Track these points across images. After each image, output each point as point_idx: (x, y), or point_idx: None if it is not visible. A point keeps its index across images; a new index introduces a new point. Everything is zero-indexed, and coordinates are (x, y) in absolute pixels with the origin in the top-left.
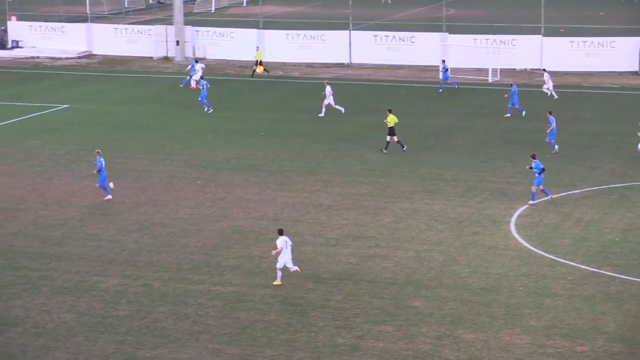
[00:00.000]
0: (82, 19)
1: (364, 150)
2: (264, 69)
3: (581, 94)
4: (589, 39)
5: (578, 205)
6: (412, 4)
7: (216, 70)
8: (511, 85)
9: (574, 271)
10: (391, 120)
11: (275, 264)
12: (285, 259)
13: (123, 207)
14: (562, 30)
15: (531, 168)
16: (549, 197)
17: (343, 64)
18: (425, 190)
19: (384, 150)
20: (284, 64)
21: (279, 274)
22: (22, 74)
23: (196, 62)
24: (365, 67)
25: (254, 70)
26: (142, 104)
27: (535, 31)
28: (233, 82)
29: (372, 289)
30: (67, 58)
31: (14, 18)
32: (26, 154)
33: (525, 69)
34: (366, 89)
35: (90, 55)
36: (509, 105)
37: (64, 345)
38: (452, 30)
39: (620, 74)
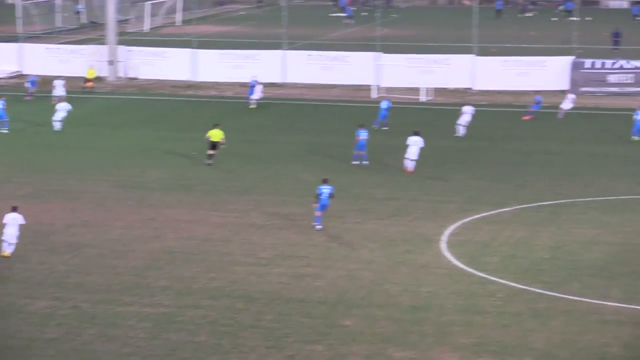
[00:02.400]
0: (13, 38)
1: (297, 170)
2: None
3: (513, 112)
4: (520, 59)
5: (508, 223)
6: (346, 24)
7: (149, 90)
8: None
9: (503, 288)
10: (214, 135)
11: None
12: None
13: (53, 228)
14: (493, 50)
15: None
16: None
17: (277, 83)
18: (357, 209)
19: (206, 162)
20: (217, 83)
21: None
22: None
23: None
24: (299, 87)
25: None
26: (73, 125)
27: (467, 51)
28: (166, 102)
29: (304, 308)
30: None
31: None
32: None
33: (458, 88)
34: (300, 108)
35: (20, 76)
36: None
37: None
38: (386, 49)
39: (552, 92)
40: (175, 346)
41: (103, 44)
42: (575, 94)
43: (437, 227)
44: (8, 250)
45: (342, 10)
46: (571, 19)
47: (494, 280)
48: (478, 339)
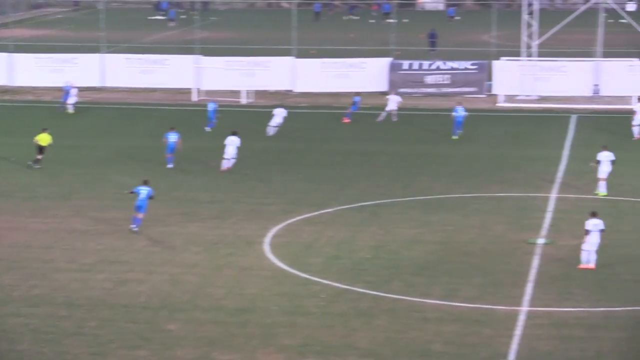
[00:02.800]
0: None
1: (118, 174)
2: None
3: (333, 114)
4: (339, 60)
5: (330, 224)
6: (165, 27)
7: None
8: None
9: (326, 289)
10: (42, 139)
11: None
12: None
13: None
14: (312, 52)
15: (132, 192)
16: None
17: (95, 87)
18: (180, 213)
19: (34, 165)
20: (35, 88)
21: None
22: None
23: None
24: (119, 91)
25: None
26: None
27: (287, 53)
28: None
29: (127, 313)
30: None
31: None
32: None
33: (279, 90)
34: (120, 113)
35: None
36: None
37: None
38: (206, 52)
39: (371, 93)
40: None
41: None
42: (397, 95)
43: (260, 229)
44: None
45: (165, 13)
46: (388, 20)
47: (318, 281)
48: (303, 339)
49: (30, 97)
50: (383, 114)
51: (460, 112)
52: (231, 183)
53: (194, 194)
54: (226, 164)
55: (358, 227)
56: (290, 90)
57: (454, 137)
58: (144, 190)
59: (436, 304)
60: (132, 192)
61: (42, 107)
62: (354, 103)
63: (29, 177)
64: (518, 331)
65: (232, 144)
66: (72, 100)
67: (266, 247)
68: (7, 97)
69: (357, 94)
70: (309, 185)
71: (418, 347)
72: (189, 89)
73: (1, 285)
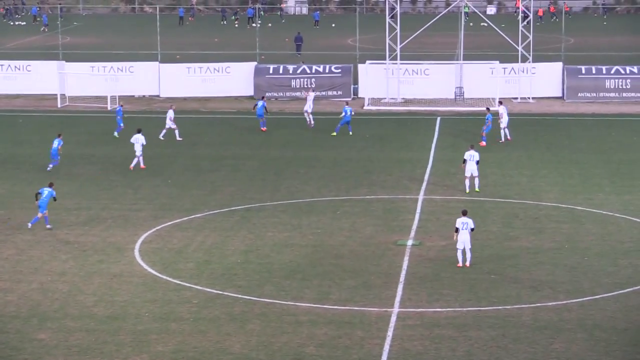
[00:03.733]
0: None
1: None
2: None
3: (200, 119)
4: (205, 65)
5: (200, 229)
6: (27, 33)
7: None
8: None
9: (199, 294)
10: None
11: None
12: None
13: None
14: (178, 57)
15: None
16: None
17: None
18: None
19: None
20: None
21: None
22: None
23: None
24: None
25: None
26: None
27: (152, 58)
28: None
29: None
30: None
31: None
32: None
33: (144, 96)
34: None
35: None
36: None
37: None
38: (69, 58)
39: (237, 98)
40: None
41: None
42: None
43: (129, 235)
44: None
45: (34, 19)
46: (253, 24)
47: (189, 287)
48: (176, 345)
49: None
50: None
51: (348, 112)
52: (98, 190)
53: (61, 201)
54: (135, 161)
55: (228, 232)
56: (157, 96)
57: (334, 134)
58: (46, 191)
59: (308, 307)
60: (38, 193)
61: None
62: (345, 114)
63: None
64: (390, 332)
65: (137, 141)
66: None
67: (136, 254)
68: None
69: (347, 103)
70: (178, 191)
71: (291, 351)
72: (54, 94)
73: None
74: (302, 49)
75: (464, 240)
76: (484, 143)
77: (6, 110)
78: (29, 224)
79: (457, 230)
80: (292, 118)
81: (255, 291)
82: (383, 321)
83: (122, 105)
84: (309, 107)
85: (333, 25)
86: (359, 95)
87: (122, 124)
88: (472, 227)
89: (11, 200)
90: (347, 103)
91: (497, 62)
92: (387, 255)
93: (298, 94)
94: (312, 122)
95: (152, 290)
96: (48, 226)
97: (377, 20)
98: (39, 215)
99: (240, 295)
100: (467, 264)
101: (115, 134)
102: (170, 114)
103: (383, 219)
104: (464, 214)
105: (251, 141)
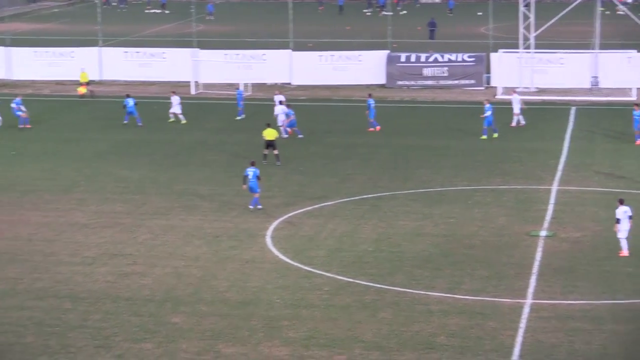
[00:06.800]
0: None
1: (118, 168)
2: (87, 92)
3: (331, 107)
4: (336, 53)
5: (332, 217)
6: (162, 20)
7: None
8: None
9: (330, 282)
10: (268, 134)
11: None
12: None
13: None
14: (310, 45)
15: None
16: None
17: (94, 81)
18: (181, 206)
19: (263, 162)
20: (33, 81)
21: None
22: None
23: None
24: (116, 84)
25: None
26: None
27: (284, 46)
28: None
29: (131, 306)
30: None
31: None
32: None
33: (276, 83)
34: (117, 106)
35: None
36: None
37: None
38: (203, 45)
39: (368, 86)
40: (2, 349)
41: None
42: (393, 87)
43: (261, 222)
44: None
45: (162, 7)
46: (385, 13)
47: (320, 274)
48: (307, 332)
49: (29, 91)
50: (515, 119)
51: (372, 104)
52: (231, 177)
53: (195, 187)
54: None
55: (359, 220)
56: (288, 83)
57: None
58: (251, 172)
59: (440, 296)
60: (243, 177)
61: (41, 101)
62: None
63: (29, 170)
64: (523, 324)
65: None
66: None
67: (268, 240)
68: (6, 91)
69: (370, 95)
70: (310, 179)
71: (422, 340)
72: (187, 82)
73: (5, 278)
74: (435, 35)
75: (627, 228)
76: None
77: (141, 97)
78: (250, 206)
79: (618, 220)
80: (422, 107)
81: (386, 280)
82: (515, 312)
83: (241, 89)
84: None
85: (479, 13)
86: (492, 84)
87: (241, 106)
88: (631, 214)
89: (146, 186)
90: (487, 101)
91: (635, 51)
92: (520, 246)
93: (430, 82)
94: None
95: (284, 276)
96: (259, 206)
97: (511, 9)
98: (256, 195)
99: (371, 284)
100: (626, 252)
101: (239, 118)
102: (176, 100)
103: (516, 209)
104: (621, 202)
105: (383, 129)
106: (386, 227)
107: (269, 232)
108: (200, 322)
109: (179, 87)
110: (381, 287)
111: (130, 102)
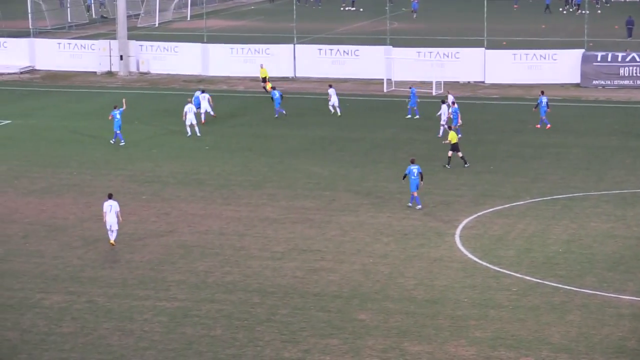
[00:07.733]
0: (25, 34)
1: (309, 164)
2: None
3: (524, 106)
4: (531, 52)
5: (522, 217)
6: (356, 18)
7: (160, 85)
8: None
9: (518, 282)
10: (452, 137)
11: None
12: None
13: (67, 223)
14: (504, 43)
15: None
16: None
17: (288, 77)
18: (370, 203)
19: (446, 165)
20: (228, 77)
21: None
22: None
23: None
24: (310, 81)
25: (265, 88)
26: (85, 119)
27: (478, 44)
28: (177, 96)
29: (318, 302)
30: (8, 73)
31: None
32: None
33: (469, 82)
34: (311, 103)
35: (32, 71)
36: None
37: None
38: (396, 43)
39: (562, 86)
40: (191, 340)
41: (114, 38)
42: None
43: (450, 220)
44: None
45: (352, 4)
46: (581, 12)
47: (509, 274)
48: (494, 332)
49: (224, 87)
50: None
51: (544, 101)
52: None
53: (384, 184)
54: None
55: (550, 221)
56: (482, 82)
57: (539, 126)
58: (414, 169)
59: (631, 300)
60: (405, 175)
61: (235, 97)
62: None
63: (221, 165)
64: None
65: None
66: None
67: (457, 239)
68: (201, 87)
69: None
70: (500, 178)
71: (612, 344)
72: (380, 79)
73: (196, 271)
74: (633, 33)
75: None
76: None
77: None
78: (418, 206)
79: None
80: (619, 107)
81: (576, 281)
82: None
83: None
84: None
85: None
86: None
87: (415, 105)
88: None
89: (336, 183)
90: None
91: None
92: None
93: (626, 82)
94: None
95: (472, 276)
96: (418, 206)
97: None
98: (415, 194)
99: (560, 285)
100: None
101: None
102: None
103: None
104: None
105: (576, 129)
106: (577, 228)
107: (458, 231)
108: (387, 320)
109: (371, 84)
110: (570, 289)
111: (277, 93)
